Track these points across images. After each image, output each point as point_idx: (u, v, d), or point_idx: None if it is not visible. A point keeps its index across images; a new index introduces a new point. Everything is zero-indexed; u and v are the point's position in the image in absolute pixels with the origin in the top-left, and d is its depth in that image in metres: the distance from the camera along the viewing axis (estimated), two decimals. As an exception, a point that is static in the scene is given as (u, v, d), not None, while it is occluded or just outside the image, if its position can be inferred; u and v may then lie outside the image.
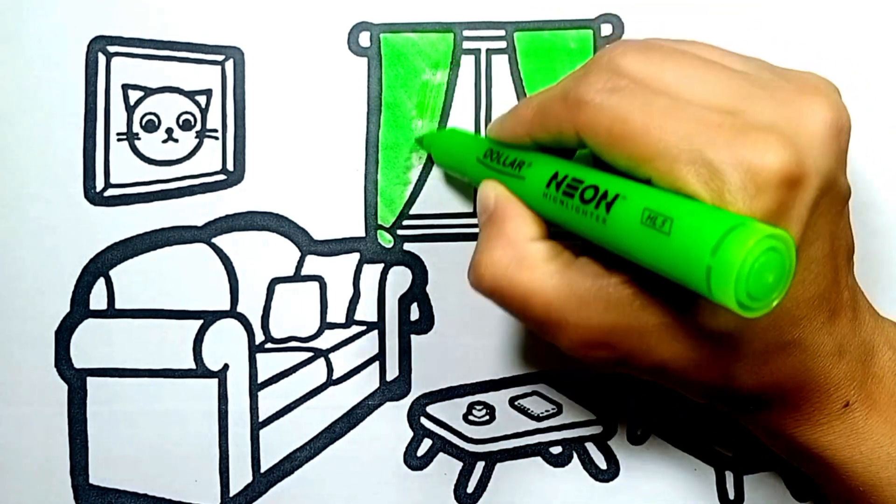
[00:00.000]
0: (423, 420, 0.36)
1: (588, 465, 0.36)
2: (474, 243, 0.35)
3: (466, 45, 0.35)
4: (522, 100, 0.28)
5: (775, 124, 0.22)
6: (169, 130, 0.36)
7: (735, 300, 0.20)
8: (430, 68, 0.35)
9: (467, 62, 0.35)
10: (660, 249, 0.21)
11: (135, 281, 0.35)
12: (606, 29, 0.35)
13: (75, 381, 0.35)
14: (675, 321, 0.24)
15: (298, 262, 0.36)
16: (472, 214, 0.36)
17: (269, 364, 0.36)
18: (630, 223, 0.22)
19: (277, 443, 0.35)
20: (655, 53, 0.24)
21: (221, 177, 0.36)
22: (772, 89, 0.24)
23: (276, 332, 0.36)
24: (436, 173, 0.36)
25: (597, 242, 0.24)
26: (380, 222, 0.36)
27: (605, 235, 0.23)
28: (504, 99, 0.36)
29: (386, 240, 0.36)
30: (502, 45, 0.35)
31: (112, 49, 0.35)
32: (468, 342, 0.36)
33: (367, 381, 0.36)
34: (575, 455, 0.36)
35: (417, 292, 0.36)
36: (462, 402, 0.36)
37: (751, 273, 0.19)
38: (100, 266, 0.35)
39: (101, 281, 0.35)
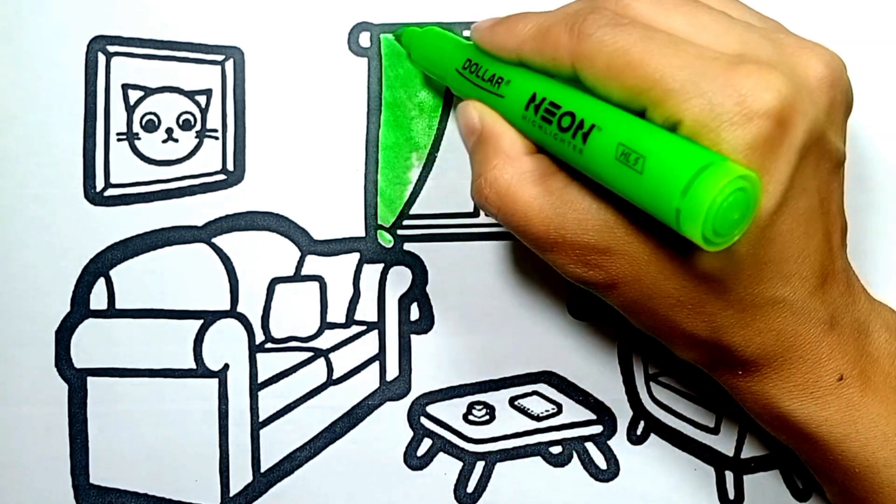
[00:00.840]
0: (423, 420, 0.36)
1: (588, 465, 0.36)
2: (474, 243, 0.36)
3: (466, 45, 0.35)
4: (516, 13, 0.28)
5: (771, 64, 0.23)
6: (169, 130, 0.36)
7: (701, 237, 0.20)
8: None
9: (467, 62, 0.35)
10: (633, 185, 0.22)
11: (135, 281, 0.35)
12: (606, 29, 0.35)
13: (76, 380, 0.35)
14: (666, 254, 0.24)
15: (298, 262, 0.36)
16: (473, 214, 0.36)
17: (269, 364, 0.36)
18: (605, 157, 0.23)
19: (277, 443, 0.35)
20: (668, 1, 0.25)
21: (221, 177, 0.36)
22: (774, 41, 0.24)
23: (277, 332, 0.36)
24: (436, 173, 0.36)
25: (578, 168, 0.25)
26: (380, 222, 0.36)
27: (583, 165, 0.24)
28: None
29: (386, 240, 0.36)
30: (502, 45, 0.35)
31: (112, 49, 0.35)
32: (468, 342, 0.36)
33: (367, 381, 0.36)
34: (575, 455, 0.36)
35: (417, 292, 0.36)
36: (462, 402, 0.36)
37: (718, 212, 0.20)
38: (100, 266, 0.35)
39: (102, 281, 0.35)
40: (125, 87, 0.35)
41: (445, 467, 0.36)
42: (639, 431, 0.36)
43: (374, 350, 0.36)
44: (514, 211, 0.26)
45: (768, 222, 0.23)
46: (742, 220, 0.21)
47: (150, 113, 0.36)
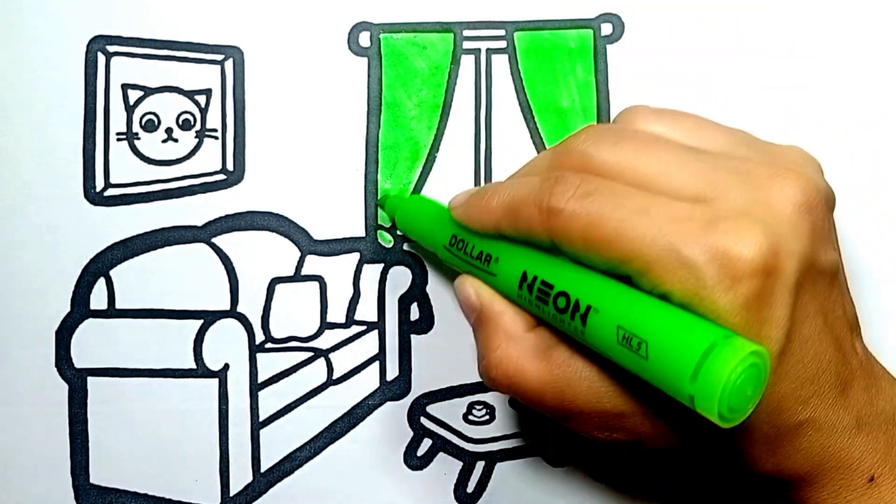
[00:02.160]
0: (423, 420, 0.36)
1: (587, 464, 0.36)
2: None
3: (466, 45, 0.35)
4: (489, 186, 0.28)
5: (746, 210, 0.23)
6: (169, 130, 0.36)
7: (717, 416, 0.20)
8: (430, 68, 0.35)
9: (467, 62, 0.35)
10: (640, 368, 0.21)
11: (135, 281, 0.35)
12: (606, 28, 0.35)
13: (76, 380, 0.35)
14: (681, 411, 0.24)
15: (298, 262, 0.36)
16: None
17: (269, 364, 0.36)
18: (607, 340, 0.22)
19: (277, 443, 0.35)
20: (627, 144, 0.25)
21: (221, 177, 0.36)
22: (743, 173, 0.24)
23: (277, 332, 0.36)
24: (436, 173, 0.36)
25: (584, 345, 0.24)
26: (380, 222, 0.36)
27: (589, 343, 0.24)
28: (504, 99, 0.36)
29: (386, 240, 0.36)
30: (502, 44, 0.35)
31: (111, 48, 0.35)
32: (468, 342, 0.36)
33: (367, 381, 0.36)
34: (575, 455, 0.36)
35: (417, 292, 0.36)
36: (462, 402, 0.36)
37: (732, 392, 0.20)
38: (100, 266, 0.35)
39: (102, 281, 0.35)
40: (125, 86, 0.35)
41: (445, 467, 0.36)
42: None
43: (374, 350, 0.36)
44: (526, 389, 0.26)
45: (777, 363, 0.23)
46: (755, 393, 0.21)
47: (150, 113, 0.36)
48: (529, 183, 0.26)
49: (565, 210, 0.24)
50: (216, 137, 0.36)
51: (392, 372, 0.36)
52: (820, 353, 0.24)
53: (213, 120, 0.36)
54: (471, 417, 0.36)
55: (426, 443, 0.36)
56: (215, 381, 0.35)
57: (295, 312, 0.36)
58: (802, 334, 0.24)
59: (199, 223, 0.36)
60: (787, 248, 0.22)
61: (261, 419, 0.35)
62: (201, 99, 0.36)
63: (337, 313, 0.36)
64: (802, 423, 0.25)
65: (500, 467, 0.36)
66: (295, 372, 0.36)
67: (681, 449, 0.26)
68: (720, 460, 0.26)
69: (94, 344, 0.35)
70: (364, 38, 0.35)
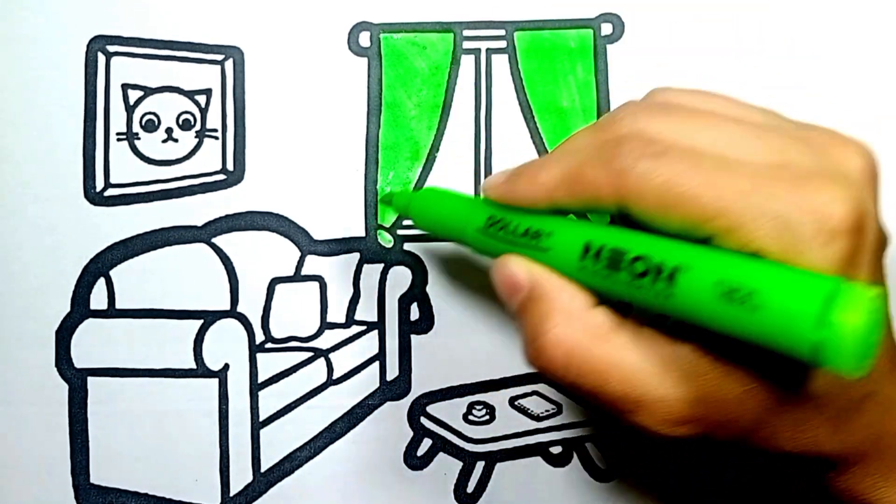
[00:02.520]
0: (423, 420, 0.36)
1: (588, 465, 0.36)
2: (474, 243, 0.35)
3: (466, 44, 0.35)
4: (528, 163, 0.26)
5: (824, 172, 0.22)
6: (169, 130, 0.36)
7: (847, 365, 0.19)
8: (430, 68, 0.35)
9: (467, 62, 0.35)
10: (745, 323, 0.20)
11: (135, 281, 0.35)
12: (607, 28, 0.35)
13: (76, 380, 0.35)
14: (758, 387, 0.23)
15: (298, 262, 0.36)
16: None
17: (269, 364, 0.36)
18: (703, 298, 0.20)
19: (277, 442, 0.35)
20: (676, 116, 0.23)
21: (221, 177, 0.36)
22: (805, 140, 0.23)
23: (277, 332, 0.36)
24: (436, 173, 0.36)
25: (662, 313, 0.22)
26: (380, 222, 0.36)
27: (673, 309, 0.22)
28: (504, 99, 0.36)
29: (386, 240, 0.36)
30: (502, 44, 0.35)
31: (111, 48, 0.35)
32: (468, 342, 0.36)
33: (367, 381, 0.36)
34: (575, 455, 0.36)
35: (417, 292, 0.36)
36: (462, 402, 0.36)
37: (861, 338, 0.19)
38: (100, 266, 0.35)
39: (102, 281, 0.35)
40: (125, 86, 0.35)
41: (445, 467, 0.36)
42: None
43: (374, 350, 0.36)
44: (588, 371, 0.24)
45: None
46: (875, 341, 0.20)
47: (150, 113, 0.36)
48: (584, 151, 0.24)
49: (636, 169, 0.22)
50: (216, 137, 0.36)
51: (392, 372, 0.36)
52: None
53: (213, 120, 0.36)
54: (471, 417, 0.36)
55: (426, 443, 0.36)
56: (215, 381, 0.35)
57: (295, 312, 0.36)
58: None
59: (199, 223, 0.36)
60: (867, 209, 0.22)
61: (261, 419, 0.35)
62: (201, 99, 0.36)
63: (337, 313, 0.36)
64: (866, 396, 0.24)
65: (500, 467, 0.36)
66: (295, 372, 0.36)
67: (749, 437, 0.24)
68: (785, 445, 0.25)
69: (94, 344, 0.35)
70: (364, 38, 0.35)
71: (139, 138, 0.36)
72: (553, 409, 0.36)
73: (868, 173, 0.23)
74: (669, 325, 0.24)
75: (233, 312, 0.35)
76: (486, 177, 0.36)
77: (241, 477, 0.35)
